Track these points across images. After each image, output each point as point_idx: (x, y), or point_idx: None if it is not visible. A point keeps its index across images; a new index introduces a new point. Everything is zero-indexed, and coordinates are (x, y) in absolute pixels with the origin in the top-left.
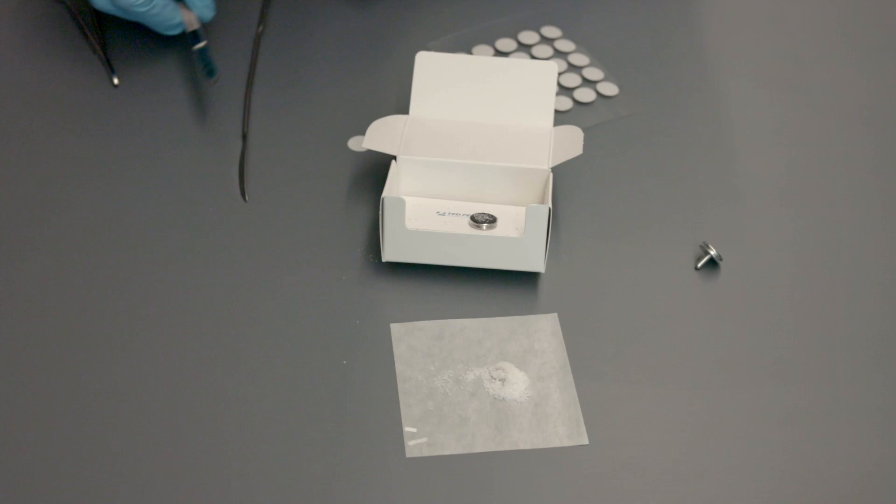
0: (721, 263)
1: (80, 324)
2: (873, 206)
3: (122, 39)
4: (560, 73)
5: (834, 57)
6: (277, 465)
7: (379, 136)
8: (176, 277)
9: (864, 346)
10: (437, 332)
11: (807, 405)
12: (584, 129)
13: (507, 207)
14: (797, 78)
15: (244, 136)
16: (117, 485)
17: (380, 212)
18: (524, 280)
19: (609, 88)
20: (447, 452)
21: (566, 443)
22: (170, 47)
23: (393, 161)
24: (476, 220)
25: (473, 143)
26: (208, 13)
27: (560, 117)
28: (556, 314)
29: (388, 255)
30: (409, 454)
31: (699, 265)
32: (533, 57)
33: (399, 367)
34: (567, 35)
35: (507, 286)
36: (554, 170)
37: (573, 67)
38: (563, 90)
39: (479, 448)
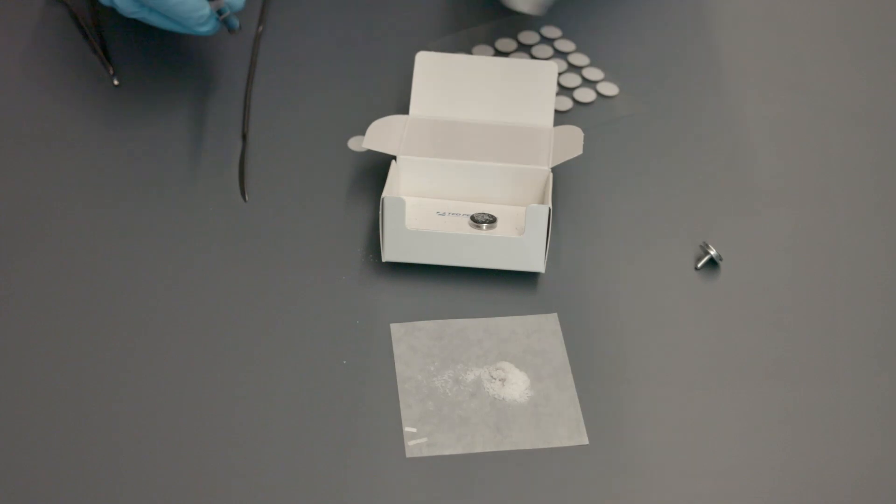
0: (721, 263)
1: (79, 324)
2: (873, 207)
3: (122, 39)
4: (560, 73)
5: (834, 57)
6: (277, 464)
7: (379, 136)
8: (176, 277)
9: (864, 346)
10: (437, 332)
11: (807, 405)
12: (584, 129)
13: (507, 207)
14: (797, 78)
15: (244, 136)
16: (117, 485)
17: (380, 212)
18: (524, 280)
19: (609, 88)
20: (447, 452)
21: (566, 443)
22: (170, 47)
23: (393, 161)
24: (476, 220)
25: (473, 143)
26: (239, 1)
27: (560, 117)
28: (556, 314)
29: (388, 255)
30: (409, 454)
31: (699, 265)
32: (533, 57)
33: (399, 367)
34: (567, 35)
35: (507, 286)
36: (554, 170)
37: (573, 67)
38: (563, 90)
39: (479, 448)
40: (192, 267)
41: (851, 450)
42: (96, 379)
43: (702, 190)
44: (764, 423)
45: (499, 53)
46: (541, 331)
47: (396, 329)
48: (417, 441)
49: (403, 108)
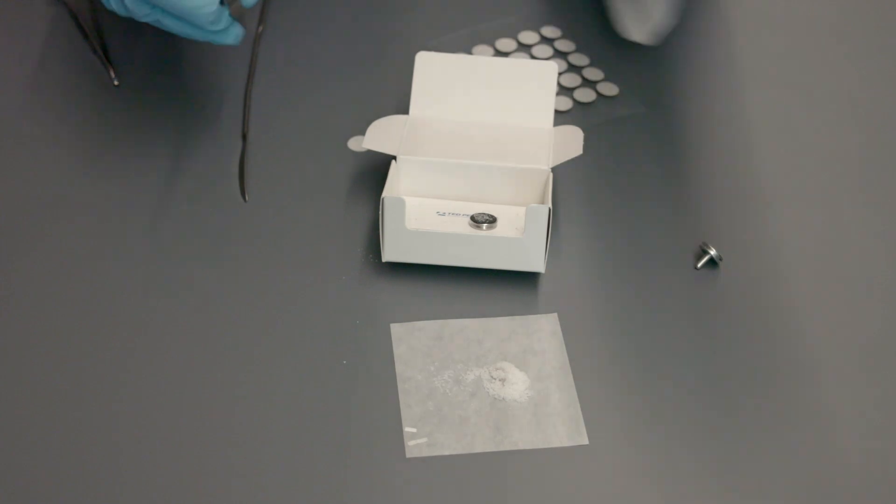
0: (721, 263)
1: (79, 324)
2: (873, 207)
3: (122, 39)
4: (560, 73)
5: (834, 57)
6: (277, 465)
7: (379, 136)
8: (175, 277)
9: (864, 346)
10: (437, 333)
11: (806, 405)
12: (584, 129)
13: (507, 207)
14: (797, 78)
15: (244, 136)
16: (117, 485)
17: (380, 212)
18: (524, 280)
19: (609, 88)
20: (447, 452)
21: (566, 443)
22: (170, 47)
23: (393, 161)
24: (476, 220)
25: (473, 143)
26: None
27: (560, 117)
28: (556, 314)
29: (388, 255)
30: (409, 454)
31: (699, 265)
32: (533, 57)
33: (399, 368)
34: (567, 35)
35: (507, 286)
36: (554, 170)
37: (573, 67)
38: (563, 90)
39: (479, 448)
40: (192, 267)
41: (851, 450)
42: (96, 379)
43: (702, 190)
44: (764, 423)
45: (499, 53)
46: (541, 331)
47: (396, 329)
48: (417, 441)
49: (403, 108)
